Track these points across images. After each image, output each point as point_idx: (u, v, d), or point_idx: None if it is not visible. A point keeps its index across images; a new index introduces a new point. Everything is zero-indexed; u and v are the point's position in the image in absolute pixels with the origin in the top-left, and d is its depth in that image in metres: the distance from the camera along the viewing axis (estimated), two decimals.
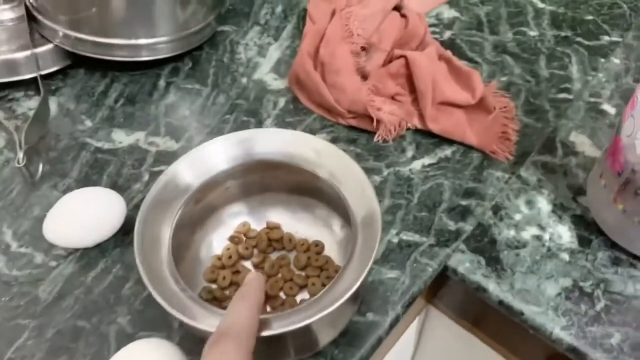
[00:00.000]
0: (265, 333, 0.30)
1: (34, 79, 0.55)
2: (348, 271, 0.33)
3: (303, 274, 0.41)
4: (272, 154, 0.40)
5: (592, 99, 0.54)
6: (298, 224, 0.43)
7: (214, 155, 0.39)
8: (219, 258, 0.41)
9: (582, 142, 0.50)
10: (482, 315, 0.50)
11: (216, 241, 0.42)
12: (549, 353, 0.44)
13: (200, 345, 0.38)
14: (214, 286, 0.40)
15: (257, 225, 0.43)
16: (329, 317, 0.34)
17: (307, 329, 0.34)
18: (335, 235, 0.41)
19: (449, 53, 0.54)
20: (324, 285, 0.40)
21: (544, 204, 0.46)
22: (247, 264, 0.42)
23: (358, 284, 0.32)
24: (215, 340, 0.27)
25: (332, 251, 0.41)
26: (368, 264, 0.32)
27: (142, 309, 0.40)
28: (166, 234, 0.36)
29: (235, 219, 0.43)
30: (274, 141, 0.39)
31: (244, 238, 0.43)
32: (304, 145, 0.39)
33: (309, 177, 0.39)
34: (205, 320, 0.31)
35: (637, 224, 0.39)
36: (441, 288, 0.51)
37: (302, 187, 0.42)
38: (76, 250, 0.44)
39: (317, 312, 0.31)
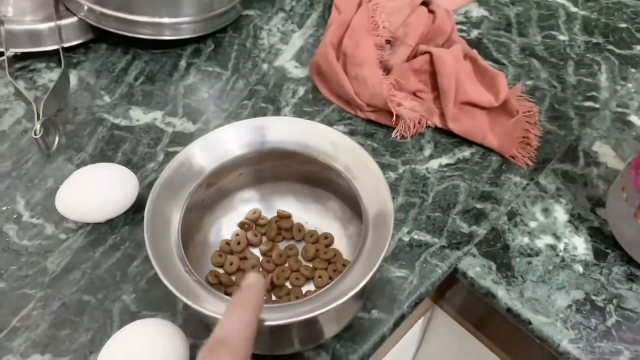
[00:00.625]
0: (271, 323, 0.30)
1: (57, 51, 0.55)
2: (356, 267, 0.33)
3: (311, 265, 0.40)
4: (287, 143, 0.39)
5: (620, 110, 0.52)
6: (309, 215, 0.43)
7: (229, 141, 0.39)
8: (228, 243, 0.41)
9: (606, 153, 0.49)
10: (488, 320, 0.50)
11: (226, 226, 0.42)
12: None
13: (202, 329, 0.38)
14: (221, 271, 0.40)
15: (268, 214, 0.43)
16: (334, 311, 0.34)
17: (312, 322, 0.34)
18: (346, 229, 0.41)
19: (475, 52, 0.53)
20: (331, 278, 0.39)
21: (561, 214, 0.45)
22: (256, 251, 0.42)
23: (366, 281, 0.31)
24: (212, 349, 0.25)
25: (341, 245, 0.41)
26: (377, 263, 0.32)
27: (147, 288, 0.40)
28: (177, 215, 0.35)
29: (246, 206, 0.43)
30: (290, 130, 0.39)
31: (254, 225, 0.42)
32: (322, 137, 0.39)
33: (324, 169, 0.38)
34: (208, 304, 0.31)
35: None
36: (449, 290, 0.50)
37: (316, 178, 0.41)
38: (87, 224, 0.44)
39: (324, 306, 0.31)
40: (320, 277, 0.40)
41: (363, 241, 0.34)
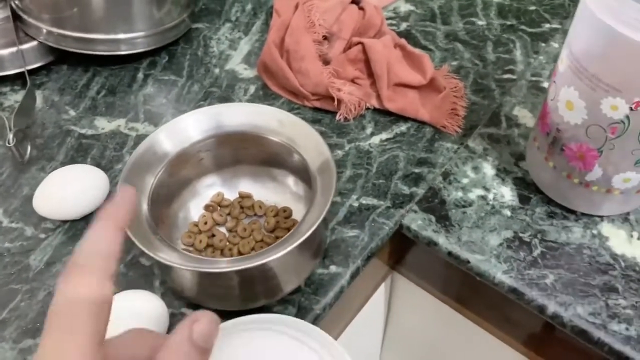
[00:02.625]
0: (226, 269, 0.35)
1: (19, 75, 0.59)
2: (309, 216, 0.38)
3: (273, 235, 0.45)
4: (240, 126, 0.44)
5: (534, 78, 0.59)
6: (267, 192, 0.47)
7: (188, 128, 0.43)
8: (196, 224, 0.46)
9: (524, 116, 0.56)
10: (443, 279, 0.55)
11: (193, 210, 0.47)
12: (509, 314, 0.49)
13: (178, 299, 0.42)
14: (191, 249, 0.44)
15: (230, 195, 0.48)
16: (291, 263, 0.39)
17: (271, 274, 0.38)
18: (302, 200, 0.46)
19: (403, 41, 0.59)
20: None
21: (488, 169, 0.51)
22: (222, 229, 0.46)
23: (318, 222, 0.36)
24: (67, 272, 0.23)
25: (299, 215, 0.46)
26: (326, 206, 0.37)
27: (125, 272, 0.44)
28: (145, 194, 0.40)
29: (209, 190, 0.47)
30: (240, 113, 0.44)
31: (218, 207, 0.47)
32: (269, 117, 0.44)
33: (276, 148, 0.43)
34: (176, 260, 0.35)
35: (566, 178, 0.45)
36: (403, 255, 0.56)
37: (271, 159, 0.46)
38: (64, 222, 0.48)
39: (277, 253, 0.35)
40: None
41: (312, 194, 0.39)
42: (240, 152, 0.46)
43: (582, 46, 0.38)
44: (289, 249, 0.35)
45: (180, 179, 0.45)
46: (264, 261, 0.35)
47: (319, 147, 0.41)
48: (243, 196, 0.47)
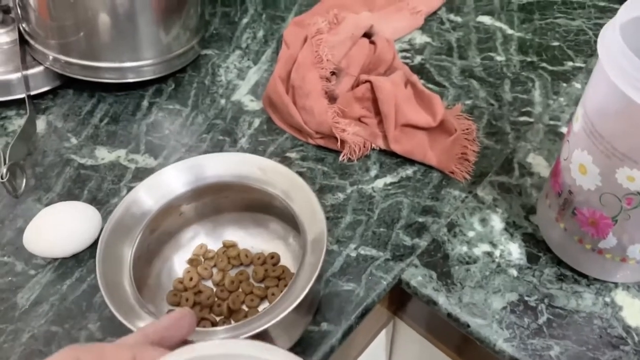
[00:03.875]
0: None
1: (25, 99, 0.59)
2: (299, 280, 0.36)
3: (262, 285, 0.43)
4: (221, 177, 0.42)
5: (552, 122, 0.56)
6: (253, 239, 0.46)
7: (168, 182, 0.42)
8: (181, 281, 0.44)
9: (539, 164, 0.53)
10: (446, 331, 0.52)
11: (177, 265, 0.45)
12: None
13: None
14: (177, 309, 0.43)
15: (214, 246, 0.46)
16: (282, 327, 0.37)
17: (262, 338, 0.37)
18: (289, 245, 0.44)
19: (415, 77, 0.57)
20: None
21: (497, 222, 0.48)
22: (208, 284, 0.45)
23: (297, 302, 0.34)
24: None
25: (287, 260, 0.44)
26: (312, 278, 0.35)
27: (111, 316, 0.42)
28: (127, 257, 0.39)
29: (192, 242, 0.46)
30: (222, 164, 0.42)
31: (203, 259, 0.45)
32: (251, 165, 0.42)
33: (259, 195, 0.42)
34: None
35: (577, 242, 0.42)
36: (406, 303, 0.53)
37: (253, 204, 0.45)
38: (55, 259, 0.47)
39: (266, 323, 0.34)
40: (273, 294, 0.43)
41: (303, 255, 0.37)
42: (221, 200, 0.45)
43: (597, 109, 0.35)
44: (283, 314, 0.33)
45: (160, 235, 0.43)
46: (259, 330, 0.33)
47: (307, 197, 0.39)
48: (228, 245, 0.46)
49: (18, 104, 0.60)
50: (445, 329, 0.52)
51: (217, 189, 0.43)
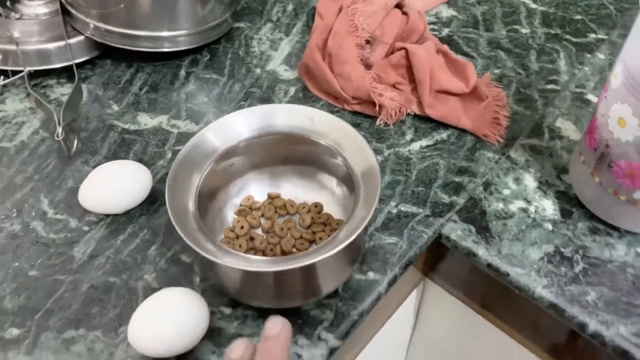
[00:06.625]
0: (273, 269, 0.35)
1: (65, 68, 0.61)
2: (357, 214, 0.38)
3: (309, 231, 0.45)
4: (284, 127, 0.44)
5: (578, 90, 0.58)
6: (296, 190, 0.48)
7: (234, 126, 0.44)
8: (232, 230, 0.46)
9: (567, 128, 0.55)
10: (477, 287, 0.55)
11: (227, 215, 0.47)
12: (539, 324, 0.48)
13: (218, 297, 0.43)
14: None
15: (260, 198, 0.48)
16: (332, 264, 0.39)
17: (311, 274, 0.39)
18: (333, 194, 0.46)
19: (446, 47, 0.58)
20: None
21: (530, 181, 0.50)
22: (258, 231, 0.47)
23: (363, 226, 0.36)
24: None
25: (330, 209, 0.46)
26: (371, 211, 0.37)
27: (166, 267, 0.45)
28: (193, 192, 0.40)
29: (239, 194, 0.47)
30: (286, 114, 0.44)
31: (250, 210, 0.47)
32: (301, 115, 0.44)
33: (306, 144, 0.44)
34: (223, 258, 0.36)
35: (612, 195, 0.44)
36: (438, 263, 0.55)
37: (296, 156, 0.46)
38: (106, 216, 0.48)
39: (325, 253, 0.35)
40: (320, 238, 0.45)
41: (355, 197, 0.39)
42: (272, 152, 0.46)
43: (638, 62, 0.37)
44: (338, 248, 0.35)
45: (214, 185, 0.45)
46: (313, 261, 0.35)
47: (363, 152, 0.41)
48: (272, 197, 0.48)
49: (58, 73, 0.62)
50: (475, 285, 0.54)
51: (277, 140, 0.44)
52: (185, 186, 0.40)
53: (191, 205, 0.39)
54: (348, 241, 0.36)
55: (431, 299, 0.61)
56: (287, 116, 0.44)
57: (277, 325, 0.29)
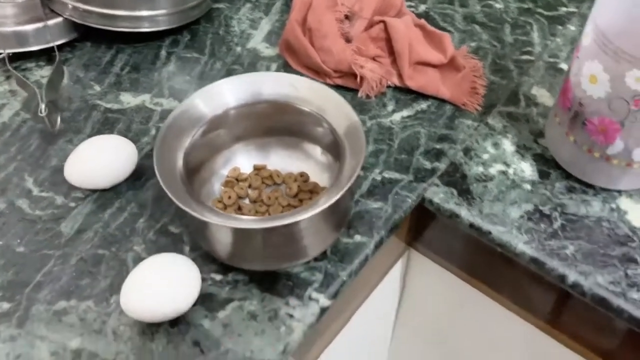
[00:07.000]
0: (262, 225, 0.36)
1: (43, 51, 0.60)
2: (344, 174, 0.39)
3: (297, 199, 0.46)
4: (271, 95, 0.45)
5: (551, 59, 0.60)
6: (282, 161, 0.48)
7: (222, 94, 0.44)
8: (219, 201, 0.46)
9: (542, 95, 0.57)
10: (460, 254, 0.56)
11: (214, 187, 0.47)
12: (525, 288, 0.50)
13: (208, 264, 0.43)
14: None
15: (245, 170, 0.48)
16: (318, 225, 0.40)
17: (297, 236, 0.39)
18: (318, 163, 0.47)
19: (423, 21, 0.60)
20: None
21: (508, 146, 0.52)
22: (245, 202, 0.47)
23: (353, 179, 0.37)
24: None
25: (316, 178, 0.47)
26: (360, 160, 0.38)
27: (155, 239, 0.45)
28: (181, 153, 0.41)
29: (225, 166, 0.48)
30: (275, 82, 0.45)
31: (237, 181, 0.48)
32: (283, 83, 0.45)
33: (291, 112, 0.44)
34: (215, 218, 0.36)
35: (586, 152, 0.46)
36: (421, 232, 0.57)
37: (281, 126, 0.47)
38: (93, 192, 0.49)
39: (313, 210, 0.36)
40: None
41: (342, 156, 0.40)
42: (258, 122, 0.47)
43: (607, 20, 0.39)
44: (326, 205, 0.36)
45: (201, 155, 0.45)
46: (303, 217, 0.36)
47: (345, 112, 0.42)
48: (258, 168, 0.48)
49: (36, 56, 0.61)
50: (459, 252, 0.56)
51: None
52: (173, 152, 0.41)
53: (179, 170, 0.40)
54: (344, 190, 0.37)
55: (416, 269, 0.62)
56: (273, 84, 0.45)
57: None
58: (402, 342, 0.73)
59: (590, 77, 0.42)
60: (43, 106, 0.48)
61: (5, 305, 0.42)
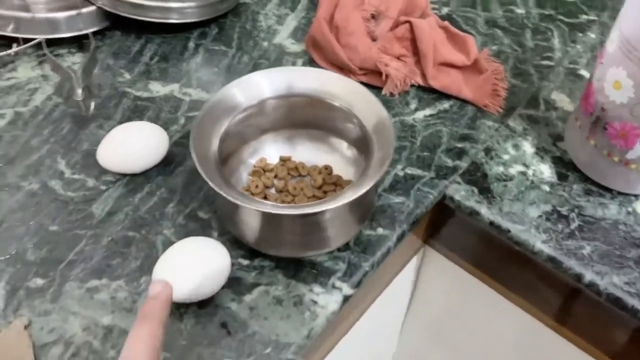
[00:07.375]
0: (292, 212, 0.37)
1: (75, 38, 0.62)
2: (371, 169, 0.40)
3: (321, 190, 0.48)
4: (304, 90, 0.46)
5: (571, 66, 0.62)
6: (308, 153, 0.50)
7: (258, 85, 0.46)
8: (247, 189, 0.48)
9: (562, 100, 0.58)
10: (477, 253, 0.57)
11: (242, 176, 0.49)
12: (537, 287, 0.51)
13: (236, 249, 0.45)
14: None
15: (272, 160, 0.50)
16: (343, 216, 0.41)
17: (323, 223, 0.41)
18: (343, 157, 0.48)
19: (446, 23, 0.61)
20: None
21: (528, 148, 0.53)
22: (271, 191, 0.49)
23: (383, 171, 0.39)
24: None
25: (340, 171, 0.48)
26: (390, 152, 0.39)
27: (184, 223, 0.47)
28: (217, 138, 0.42)
29: (253, 157, 0.49)
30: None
31: (263, 171, 0.49)
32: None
33: (321, 107, 0.46)
34: (244, 200, 0.38)
35: (606, 157, 0.47)
36: (439, 229, 0.58)
37: (309, 120, 0.48)
38: (123, 176, 0.50)
39: (342, 200, 0.38)
40: None
41: (370, 151, 0.41)
42: (277, 117, 0.48)
43: (632, 27, 0.40)
44: (355, 196, 0.37)
45: (228, 146, 0.47)
46: (331, 206, 0.37)
47: (376, 110, 0.43)
48: (284, 159, 0.50)
49: (68, 43, 0.63)
50: (476, 252, 0.57)
51: (302, 101, 0.46)
52: (208, 138, 0.42)
53: (213, 155, 0.41)
54: (374, 181, 0.38)
55: (430, 265, 0.64)
56: (305, 78, 0.46)
57: (157, 286, 0.32)
58: (411, 336, 0.75)
59: (614, 83, 0.43)
60: (79, 90, 0.50)
61: (40, 281, 0.43)
